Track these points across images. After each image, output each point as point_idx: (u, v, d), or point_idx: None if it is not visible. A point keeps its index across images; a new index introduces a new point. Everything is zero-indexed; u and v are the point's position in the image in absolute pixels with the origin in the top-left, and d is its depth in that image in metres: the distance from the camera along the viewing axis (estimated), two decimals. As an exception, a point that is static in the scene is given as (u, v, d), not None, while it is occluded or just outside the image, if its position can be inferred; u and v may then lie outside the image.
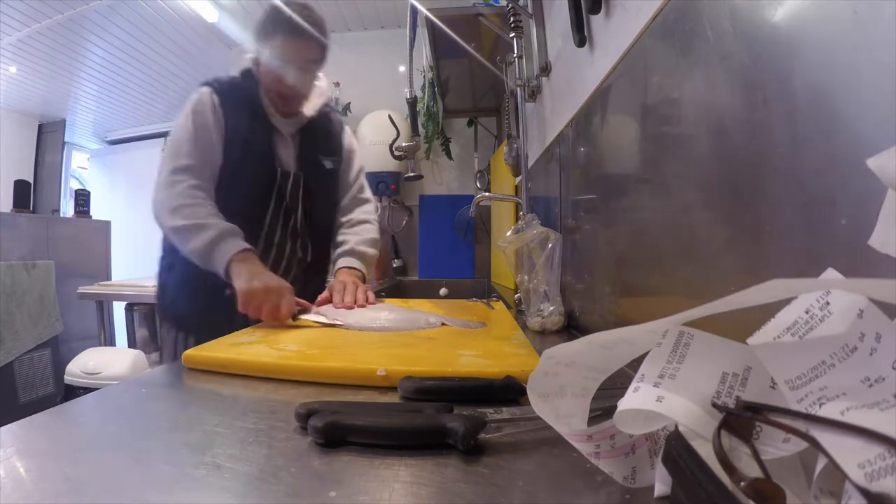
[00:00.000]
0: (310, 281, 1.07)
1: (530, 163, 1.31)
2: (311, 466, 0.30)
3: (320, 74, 1.05)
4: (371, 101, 2.65)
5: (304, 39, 0.95)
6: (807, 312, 0.20)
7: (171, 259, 1.00)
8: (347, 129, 1.17)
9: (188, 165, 0.91)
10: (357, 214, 1.13)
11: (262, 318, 0.78)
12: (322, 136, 1.08)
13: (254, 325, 0.78)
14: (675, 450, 0.21)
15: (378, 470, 0.30)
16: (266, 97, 1.00)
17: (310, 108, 1.05)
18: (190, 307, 0.99)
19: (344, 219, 1.13)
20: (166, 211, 0.88)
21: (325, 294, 0.91)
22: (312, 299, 0.96)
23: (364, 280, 1.02)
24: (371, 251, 1.07)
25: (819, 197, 0.28)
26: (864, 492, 0.14)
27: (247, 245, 0.86)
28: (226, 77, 1.02)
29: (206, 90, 0.97)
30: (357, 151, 1.17)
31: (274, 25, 0.95)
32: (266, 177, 0.98)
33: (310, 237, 1.06)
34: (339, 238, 1.10)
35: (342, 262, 1.03)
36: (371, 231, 1.11)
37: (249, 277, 0.81)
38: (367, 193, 1.18)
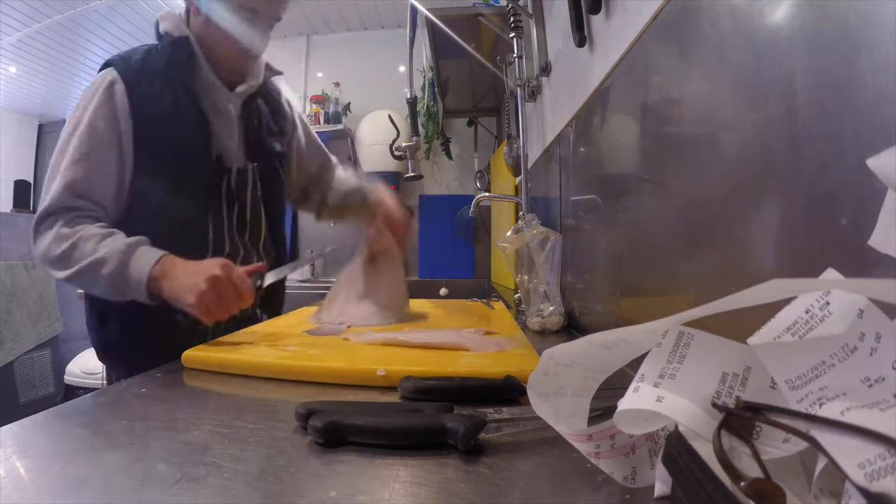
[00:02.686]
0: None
1: (530, 163, 1.31)
2: (311, 466, 0.30)
3: None
4: (371, 101, 2.65)
5: None
6: (807, 312, 0.20)
7: (103, 307, 0.80)
8: (285, 87, 1.00)
9: (61, 204, 0.72)
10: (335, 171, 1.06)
11: (230, 310, 0.65)
12: (268, 107, 0.92)
13: (254, 325, 0.78)
14: (675, 450, 0.21)
15: (378, 470, 0.30)
16: (210, 63, 0.81)
17: (256, 74, 0.87)
18: (155, 349, 0.68)
19: (316, 179, 1.04)
20: (52, 265, 0.72)
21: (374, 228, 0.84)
22: (276, 297, 0.97)
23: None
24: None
25: (819, 197, 0.28)
26: (864, 492, 0.14)
27: (159, 253, 0.69)
28: (139, 50, 0.80)
29: (108, 76, 0.75)
30: (298, 109, 1.03)
31: None
32: (205, 176, 0.80)
33: (270, 237, 0.92)
34: (332, 190, 1.02)
35: (368, 190, 0.96)
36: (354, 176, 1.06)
37: (185, 281, 0.65)
38: (326, 151, 1.08)
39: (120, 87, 0.75)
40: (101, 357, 0.87)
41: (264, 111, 0.91)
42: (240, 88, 0.85)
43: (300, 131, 1.01)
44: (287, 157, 0.96)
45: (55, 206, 0.72)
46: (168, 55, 0.79)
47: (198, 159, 0.79)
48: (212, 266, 0.65)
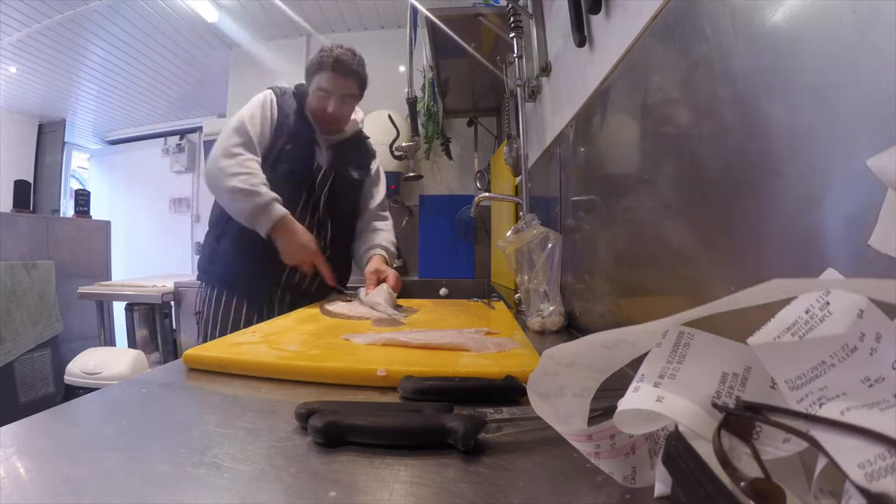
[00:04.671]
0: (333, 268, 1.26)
1: (530, 163, 1.31)
2: (311, 466, 0.30)
3: (357, 108, 1.30)
4: (371, 101, 2.63)
5: (344, 77, 1.19)
6: (807, 312, 0.20)
7: (222, 229, 1.22)
8: (378, 160, 1.42)
9: (246, 143, 1.15)
10: (377, 225, 1.37)
11: (303, 265, 1.13)
12: (352, 155, 1.31)
13: (255, 325, 0.78)
14: (675, 450, 0.21)
15: (378, 470, 0.30)
16: (310, 115, 1.23)
17: (342, 134, 1.28)
18: (241, 270, 1.19)
19: (365, 226, 1.37)
20: (226, 174, 1.10)
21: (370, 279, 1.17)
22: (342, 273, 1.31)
23: (387, 263, 1.28)
24: (392, 249, 1.34)
25: (819, 197, 0.28)
26: (864, 492, 0.14)
27: (286, 211, 1.11)
28: (284, 87, 1.29)
29: (269, 92, 1.24)
30: (383, 180, 1.42)
31: (321, 63, 1.19)
32: (304, 169, 1.21)
33: (331, 229, 1.27)
34: (363, 241, 1.33)
35: (372, 253, 1.28)
36: (389, 237, 1.37)
37: (297, 238, 1.12)
38: (387, 213, 1.42)
39: (274, 101, 1.22)
40: (209, 277, 1.26)
41: (351, 155, 1.30)
42: (328, 136, 1.26)
43: (373, 186, 1.38)
44: (361, 187, 1.34)
45: (243, 141, 1.15)
46: (294, 97, 1.26)
47: (303, 161, 1.21)
48: (310, 244, 1.14)
